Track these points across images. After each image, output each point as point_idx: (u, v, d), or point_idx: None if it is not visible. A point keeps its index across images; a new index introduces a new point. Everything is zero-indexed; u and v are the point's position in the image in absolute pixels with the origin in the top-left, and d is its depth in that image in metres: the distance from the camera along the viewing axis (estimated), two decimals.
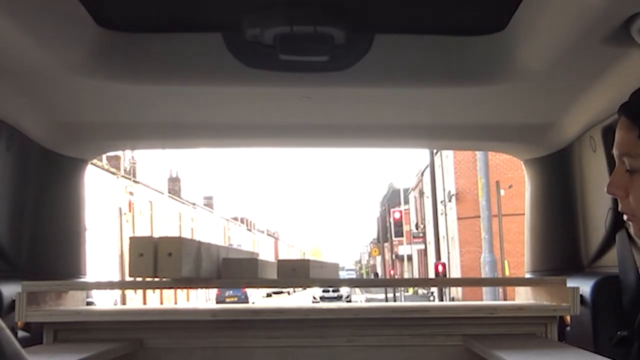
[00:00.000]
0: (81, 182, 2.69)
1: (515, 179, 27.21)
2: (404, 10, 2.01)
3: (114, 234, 35.33)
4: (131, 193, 38.72)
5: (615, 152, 1.37)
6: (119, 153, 36.55)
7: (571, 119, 2.39)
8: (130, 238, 2.21)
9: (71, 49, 1.95)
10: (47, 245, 2.45)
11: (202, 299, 49.96)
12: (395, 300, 38.13)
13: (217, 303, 30.90)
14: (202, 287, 2.33)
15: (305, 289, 47.90)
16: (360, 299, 50.80)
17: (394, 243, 54.05)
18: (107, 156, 34.06)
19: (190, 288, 2.47)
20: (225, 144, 2.86)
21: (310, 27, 1.94)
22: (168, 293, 41.99)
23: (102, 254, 30.41)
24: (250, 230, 74.30)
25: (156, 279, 2.22)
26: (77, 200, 2.66)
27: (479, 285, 22.95)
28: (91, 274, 2.79)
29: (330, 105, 2.39)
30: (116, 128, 2.54)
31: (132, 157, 41.19)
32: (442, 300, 26.00)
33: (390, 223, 43.68)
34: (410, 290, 50.09)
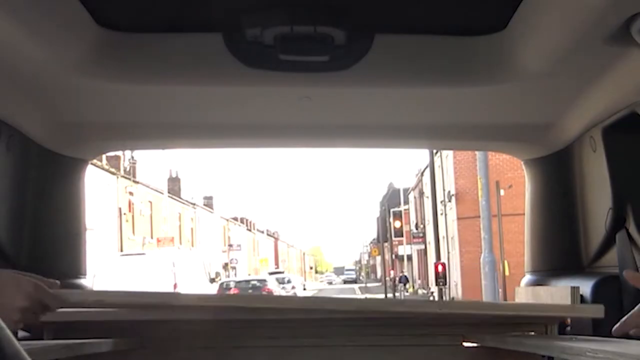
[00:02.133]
0: (81, 182, 2.69)
1: (515, 179, 27.24)
2: (404, 10, 2.01)
3: (114, 234, 35.34)
4: (131, 193, 38.72)
5: None
6: (119, 153, 36.59)
7: (571, 119, 2.39)
8: None
9: (71, 49, 1.96)
10: (47, 245, 2.45)
11: None
12: None
13: None
14: None
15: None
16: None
17: (394, 243, 54.09)
18: (107, 156, 34.09)
19: None
20: (225, 144, 2.86)
21: (310, 27, 1.94)
22: None
23: (102, 254, 30.41)
24: (250, 230, 74.30)
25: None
26: (77, 200, 2.66)
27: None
28: (91, 274, 2.79)
29: (330, 105, 2.39)
30: (116, 128, 2.54)
31: (132, 157, 41.20)
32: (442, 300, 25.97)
33: (389, 223, 43.70)
34: (411, 289, 50.12)
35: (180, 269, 20.35)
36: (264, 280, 34.36)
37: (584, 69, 2.02)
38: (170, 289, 18.03)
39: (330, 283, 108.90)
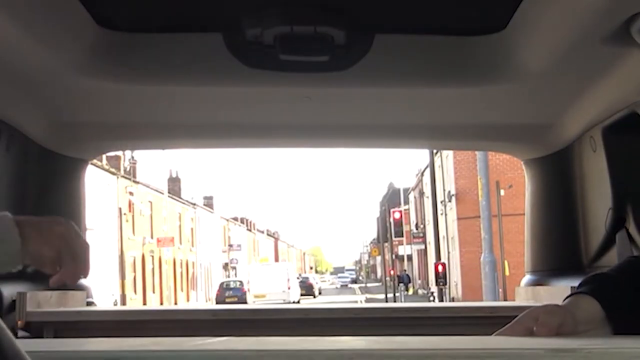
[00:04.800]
0: (81, 182, 2.69)
1: (515, 179, 27.23)
2: (404, 10, 2.01)
3: (114, 234, 35.33)
4: (131, 193, 38.70)
5: None
6: (119, 153, 36.58)
7: (571, 119, 2.39)
8: None
9: (71, 49, 1.96)
10: None
11: (202, 300, 49.92)
12: (395, 301, 38.14)
13: (216, 303, 36.47)
14: None
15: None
16: (360, 299, 50.80)
17: (394, 243, 54.02)
18: (107, 156, 34.05)
19: None
20: (225, 144, 2.86)
21: (310, 27, 1.94)
22: (168, 294, 42.00)
23: (102, 254, 30.40)
24: (250, 230, 74.27)
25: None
26: (78, 200, 2.66)
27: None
28: (91, 274, 2.79)
29: (331, 105, 2.39)
30: (116, 128, 2.54)
31: (132, 157, 41.19)
32: (442, 301, 25.99)
33: (390, 223, 43.64)
34: (411, 290, 50.12)
35: (289, 274, 37.44)
36: (307, 277, 56.38)
37: (584, 69, 2.02)
38: (286, 284, 35.83)
39: (346, 286, 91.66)
